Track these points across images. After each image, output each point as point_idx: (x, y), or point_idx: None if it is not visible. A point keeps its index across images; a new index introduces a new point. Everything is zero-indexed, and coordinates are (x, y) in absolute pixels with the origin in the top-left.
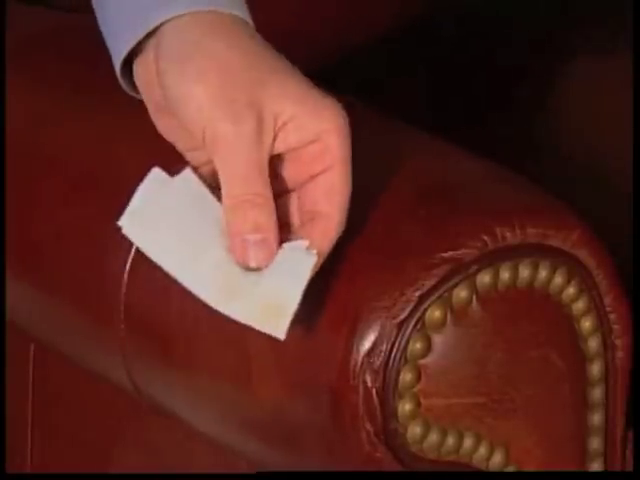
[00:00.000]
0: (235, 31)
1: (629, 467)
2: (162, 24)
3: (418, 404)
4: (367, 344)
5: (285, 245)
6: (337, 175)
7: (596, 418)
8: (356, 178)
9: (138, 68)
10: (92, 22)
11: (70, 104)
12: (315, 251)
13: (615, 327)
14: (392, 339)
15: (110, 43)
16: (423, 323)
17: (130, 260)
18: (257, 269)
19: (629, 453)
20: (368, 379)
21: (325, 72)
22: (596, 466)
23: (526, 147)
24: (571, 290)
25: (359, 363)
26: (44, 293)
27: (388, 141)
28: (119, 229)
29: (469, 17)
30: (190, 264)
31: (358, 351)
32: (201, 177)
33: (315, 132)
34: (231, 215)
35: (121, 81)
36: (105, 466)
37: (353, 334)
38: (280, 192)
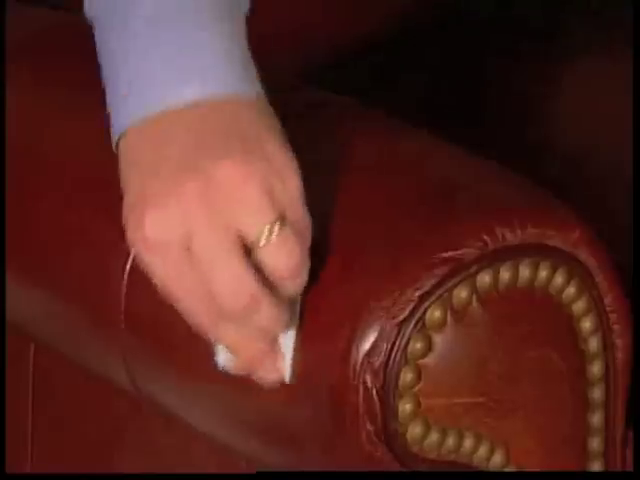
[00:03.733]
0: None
1: (629, 467)
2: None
3: (418, 404)
4: (367, 344)
5: None
6: None
7: (596, 418)
8: (356, 178)
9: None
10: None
11: (70, 104)
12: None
13: (615, 327)
14: (392, 339)
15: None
16: (423, 323)
17: (130, 260)
18: None
19: (629, 453)
20: (368, 379)
21: (325, 72)
22: (596, 466)
23: (526, 147)
24: (571, 290)
25: (359, 363)
26: (44, 293)
27: (388, 141)
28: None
29: (468, 17)
30: None
31: (358, 351)
32: None
33: None
34: None
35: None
36: (105, 466)
37: (353, 334)
38: None
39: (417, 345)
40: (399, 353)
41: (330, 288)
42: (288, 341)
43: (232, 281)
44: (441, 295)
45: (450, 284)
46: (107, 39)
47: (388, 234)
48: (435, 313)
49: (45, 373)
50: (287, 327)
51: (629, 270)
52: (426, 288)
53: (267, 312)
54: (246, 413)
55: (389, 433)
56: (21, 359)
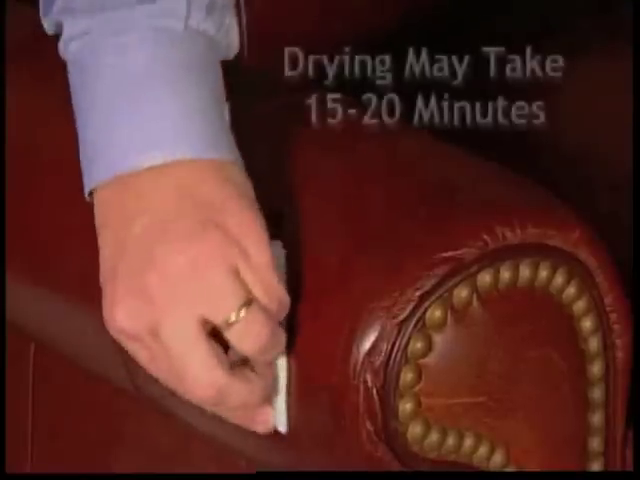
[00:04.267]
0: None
1: (629, 467)
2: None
3: (419, 404)
4: (367, 344)
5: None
6: None
7: (596, 418)
8: (356, 178)
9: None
10: None
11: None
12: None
13: (615, 327)
14: (392, 339)
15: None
16: (424, 323)
17: None
18: None
19: (629, 453)
20: (368, 379)
21: (324, 73)
22: (596, 466)
23: (526, 147)
24: (571, 290)
25: (359, 363)
26: (44, 293)
27: (388, 141)
28: None
29: (468, 17)
30: None
31: (358, 351)
32: None
33: None
34: None
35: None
36: (105, 466)
37: (353, 334)
38: None
39: (417, 345)
40: (399, 353)
41: (330, 288)
42: (280, 395)
43: (197, 375)
44: (441, 295)
45: (450, 284)
46: (78, 92)
47: (388, 234)
48: (435, 313)
49: (45, 373)
50: (274, 387)
51: (629, 270)
52: (426, 288)
53: (238, 395)
54: None
55: (389, 433)
56: (21, 359)
